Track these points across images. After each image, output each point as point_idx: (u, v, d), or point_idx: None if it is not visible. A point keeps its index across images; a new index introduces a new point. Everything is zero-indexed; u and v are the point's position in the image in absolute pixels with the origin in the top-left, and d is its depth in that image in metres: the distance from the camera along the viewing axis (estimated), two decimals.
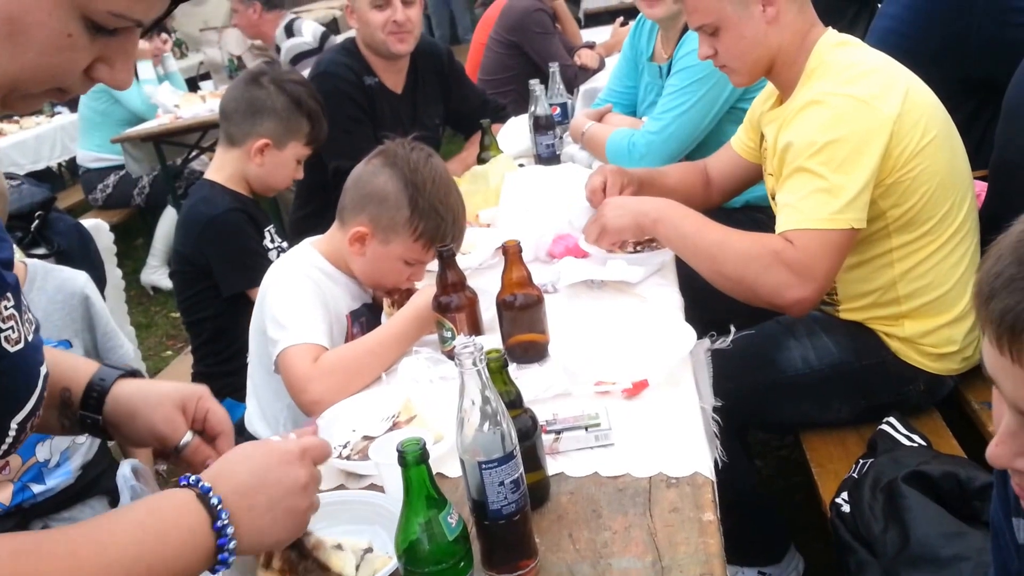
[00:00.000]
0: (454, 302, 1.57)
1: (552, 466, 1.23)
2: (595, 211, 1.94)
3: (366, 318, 1.85)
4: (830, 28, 1.82)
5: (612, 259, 1.85)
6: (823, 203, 1.61)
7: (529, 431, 1.15)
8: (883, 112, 1.63)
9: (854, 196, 1.61)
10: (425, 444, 0.97)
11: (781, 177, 1.72)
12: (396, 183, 1.72)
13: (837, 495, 1.57)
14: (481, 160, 2.56)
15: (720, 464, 1.32)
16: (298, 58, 4.38)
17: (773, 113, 1.87)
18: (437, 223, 1.73)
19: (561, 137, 2.73)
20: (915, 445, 1.64)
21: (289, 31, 4.57)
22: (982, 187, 2.03)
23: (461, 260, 1.92)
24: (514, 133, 2.90)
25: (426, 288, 1.71)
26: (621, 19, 4.76)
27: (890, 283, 1.78)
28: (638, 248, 1.96)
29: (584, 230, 1.93)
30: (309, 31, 4.46)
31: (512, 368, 1.50)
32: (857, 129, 1.62)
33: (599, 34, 4.91)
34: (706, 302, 1.86)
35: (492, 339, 1.56)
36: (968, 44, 2.31)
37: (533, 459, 1.16)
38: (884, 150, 1.63)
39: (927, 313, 1.78)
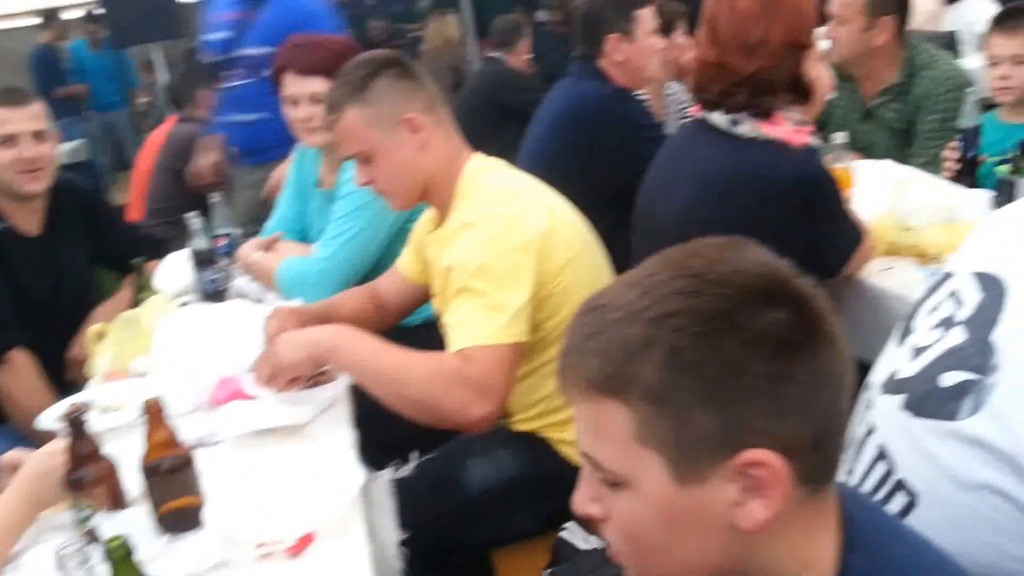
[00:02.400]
0: (88, 476, 1.38)
1: None
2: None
3: None
4: (477, 153, 1.91)
5: (280, 401, 1.76)
6: (490, 319, 1.66)
7: None
8: (532, 230, 1.72)
9: (518, 310, 1.67)
10: None
11: (447, 298, 1.75)
12: None
13: None
14: (137, 303, 2.36)
15: None
16: None
17: (434, 235, 1.92)
18: None
19: (228, 270, 2.60)
20: (593, 549, 1.69)
21: None
22: None
23: (108, 420, 1.73)
24: (177, 269, 2.71)
25: (37, 454, 1.46)
26: None
27: (555, 391, 1.85)
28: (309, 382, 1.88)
29: (255, 371, 1.82)
30: None
31: (163, 541, 1.35)
32: (510, 247, 1.70)
33: None
34: (387, 430, 1.83)
35: (139, 510, 1.39)
36: (606, 158, 2.57)
37: None
38: (536, 266, 1.72)
39: None
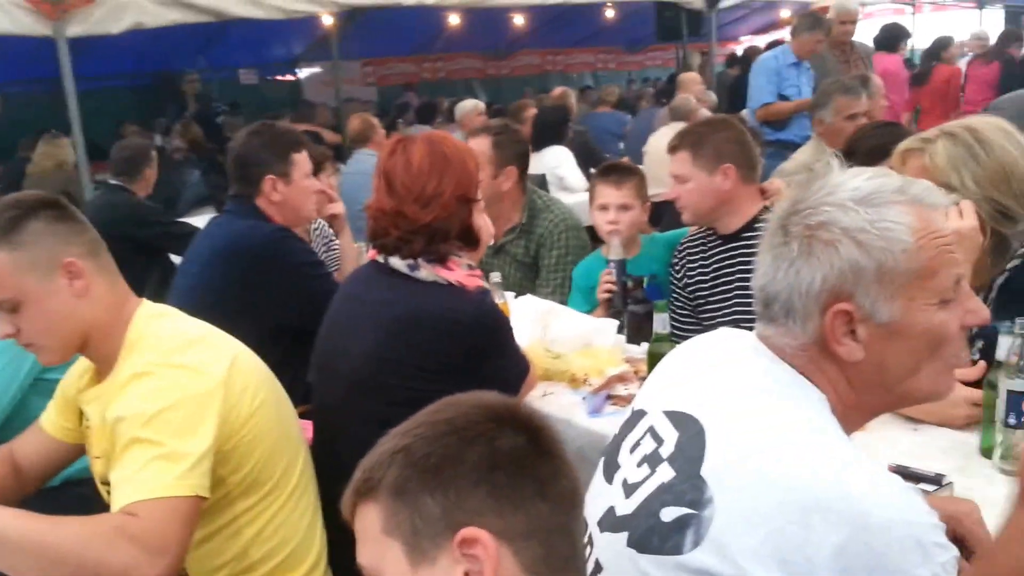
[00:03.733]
0: None
1: None
2: None
3: None
4: (146, 300, 1.80)
5: None
6: (164, 470, 1.52)
7: None
8: (213, 379, 1.65)
9: (196, 461, 1.56)
10: None
11: (114, 455, 1.59)
12: None
13: None
14: None
15: None
16: None
17: (94, 391, 1.75)
18: None
19: None
20: None
21: None
22: (307, 424, 2.19)
23: None
24: None
25: None
26: None
27: (243, 551, 1.76)
28: None
29: None
30: None
31: None
32: (189, 396, 1.61)
33: None
34: None
35: None
36: (270, 297, 2.55)
37: None
38: (219, 417, 1.63)
39: (284, 570, 1.80)
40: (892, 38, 7.96)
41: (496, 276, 2.51)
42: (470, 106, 7.64)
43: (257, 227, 2.62)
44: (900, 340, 1.14)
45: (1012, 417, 1.62)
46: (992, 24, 10.89)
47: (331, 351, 2.09)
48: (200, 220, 4.52)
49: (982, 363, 1.79)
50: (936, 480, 1.60)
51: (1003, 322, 1.67)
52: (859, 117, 3.82)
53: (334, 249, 3.65)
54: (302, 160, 2.74)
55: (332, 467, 1.94)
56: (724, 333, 1.33)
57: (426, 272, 1.95)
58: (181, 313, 1.83)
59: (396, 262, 1.97)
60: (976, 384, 1.80)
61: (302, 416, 2.18)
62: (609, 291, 2.75)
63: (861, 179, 1.16)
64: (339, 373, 2.03)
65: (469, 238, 2.01)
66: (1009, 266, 1.92)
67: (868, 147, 2.82)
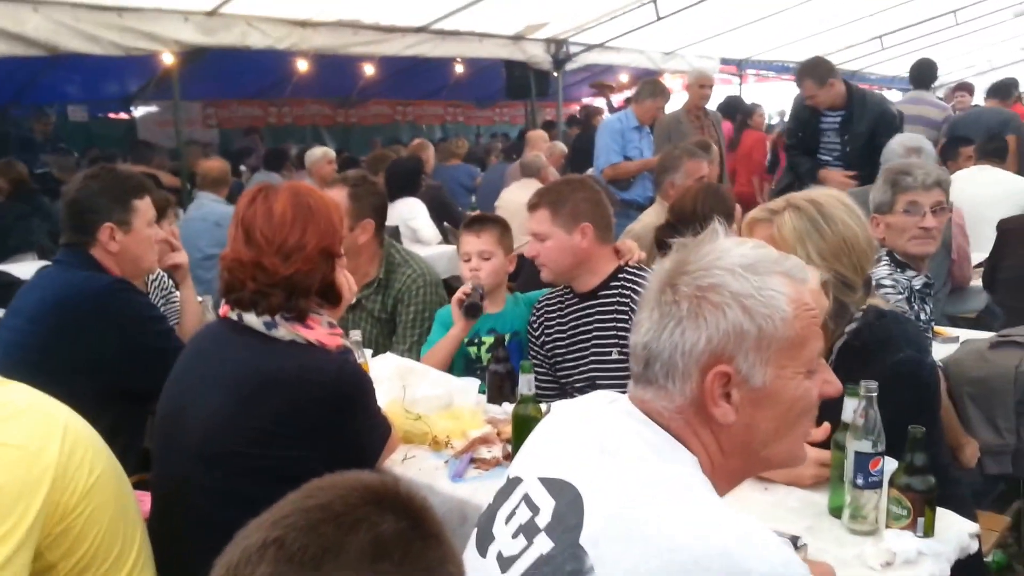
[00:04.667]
0: None
1: None
2: None
3: None
4: None
5: None
6: None
7: None
8: (44, 459, 1.47)
9: (4, 562, 1.39)
10: None
11: None
12: None
13: None
14: None
15: None
16: None
17: None
18: None
19: None
20: None
21: None
22: (143, 495, 2.01)
23: None
24: None
25: None
26: None
27: None
28: None
29: None
30: None
31: None
32: (10, 481, 1.42)
33: None
34: None
35: None
36: (106, 355, 2.35)
37: None
38: (45, 501, 1.46)
39: None
40: (732, 108, 8.54)
41: (356, 334, 2.42)
42: (319, 154, 7.51)
43: (92, 279, 2.42)
44: (769, 405, 1.19)
45: (860, 478, 1.70)
46: None
47: (175, 416, 1.92)
48: (20, 268, 4.17)
49: (827, 424, 1.87)
50: (792, 542, 1.65)
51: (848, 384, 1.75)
52: (704, 179, 4.03)
53: (173, 302, 3.43)
54: (145, 207, 2.56)
55: (171, 543, 1.80)
56: (597, 396, 1.32)
57: (284, 331, 1.84)
58: (3, 379, 1.64)
59: (251, 319, 1.85)
60: (822, 444, 1.88)
61: (136, 486, 2.01)
62: (466, 293, 2.78)
63: (747, 247, 1.21)
64: (183, 440, 1.87)
65: (330, 295, 1.93)
66: (847, 329, 2.04)
67: (707, 211, 2.97)
